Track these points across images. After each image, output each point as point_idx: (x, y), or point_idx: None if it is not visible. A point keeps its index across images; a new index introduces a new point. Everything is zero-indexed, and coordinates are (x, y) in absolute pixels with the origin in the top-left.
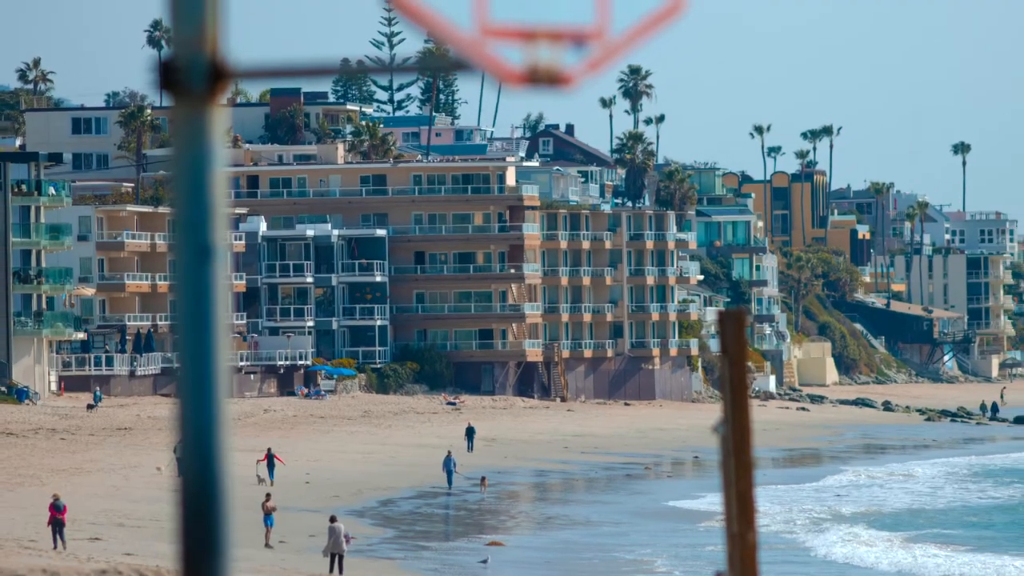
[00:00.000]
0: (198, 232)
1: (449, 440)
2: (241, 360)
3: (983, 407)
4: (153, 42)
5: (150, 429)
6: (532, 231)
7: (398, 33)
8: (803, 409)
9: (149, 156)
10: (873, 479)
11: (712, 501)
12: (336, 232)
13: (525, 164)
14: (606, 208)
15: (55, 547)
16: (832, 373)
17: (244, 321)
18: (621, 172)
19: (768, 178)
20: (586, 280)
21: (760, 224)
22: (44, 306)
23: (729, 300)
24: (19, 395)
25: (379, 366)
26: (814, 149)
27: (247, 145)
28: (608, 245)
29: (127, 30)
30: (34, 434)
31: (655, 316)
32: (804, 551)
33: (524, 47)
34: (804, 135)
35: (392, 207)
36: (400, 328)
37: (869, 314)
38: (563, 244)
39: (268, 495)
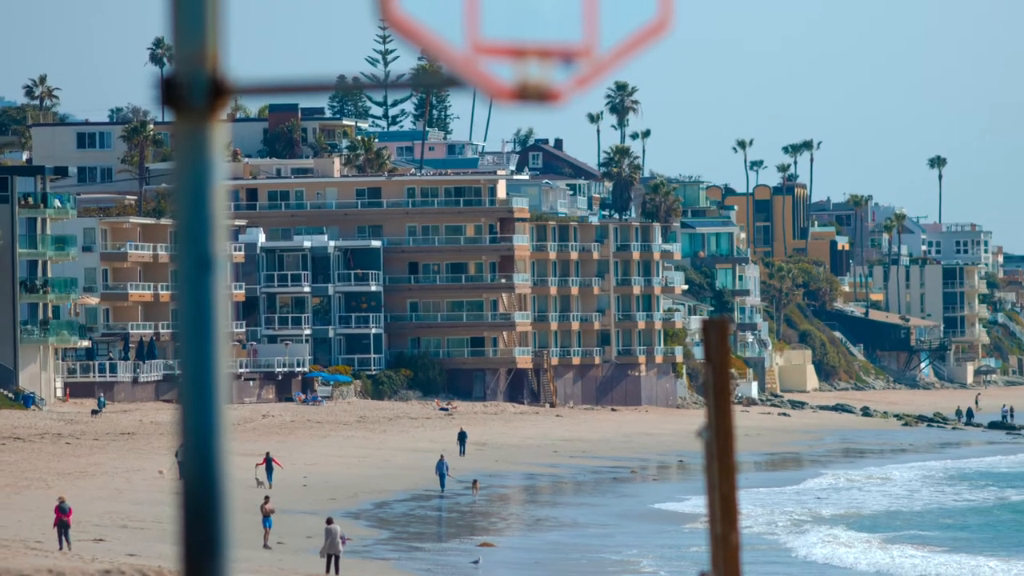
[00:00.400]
0: (199, 243)
1: (442, 444)
2: (240, 367)
3: (959, 412)
4: (155, 59)
5: (152, 434)
6: (522, 242)
7: (392, 51)
8: (784, 415)
9: (151, 170)
10: (852, 482)
11: (696, 503)
12: (332, 243)
13: (515, 177)
14: (594, 220)
15: (60, 548)
16: (812, 380)
17: (243, 329)
18: (608, 185)
19: (750, 191)
20: (574, 290)
21: (743, 235)
22: (50, 315)
23: (713, 309)
24: (26, 401)
25: (374, 373)
26: (795, 163)
27: (246, 159)
28: (596, 256)
29: (130, 48)
30: (40, 439)
31: (641, 324)
32: (785, 552)
33: (514, 64)
34: (785, 149)
35: (386, 219)
36: (394, 336)
37: (848, 322)
38: (552, 255)
39: (267, 498)
